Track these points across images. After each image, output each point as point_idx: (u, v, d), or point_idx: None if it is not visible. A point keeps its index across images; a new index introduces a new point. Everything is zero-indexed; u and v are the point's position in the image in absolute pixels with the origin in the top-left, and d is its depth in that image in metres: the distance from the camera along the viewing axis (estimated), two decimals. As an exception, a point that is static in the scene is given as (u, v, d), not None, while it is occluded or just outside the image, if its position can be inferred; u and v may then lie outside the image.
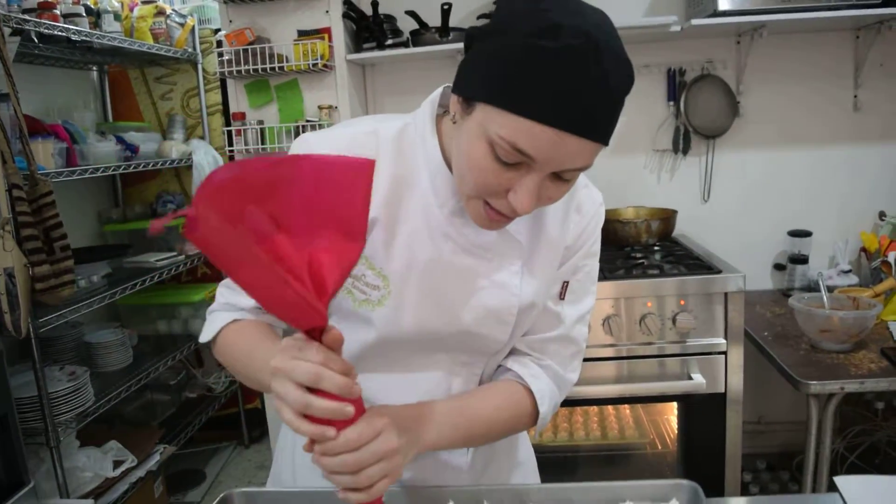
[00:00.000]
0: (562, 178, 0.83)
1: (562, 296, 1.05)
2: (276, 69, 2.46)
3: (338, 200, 0.74)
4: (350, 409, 0.75)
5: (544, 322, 1.05)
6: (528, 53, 0.74)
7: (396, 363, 1.01)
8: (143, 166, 2.76)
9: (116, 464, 2.48)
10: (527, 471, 1.25)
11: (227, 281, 1.03)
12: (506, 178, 0.81)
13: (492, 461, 1.15)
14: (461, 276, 0.97)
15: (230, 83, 2.62)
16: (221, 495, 1.01)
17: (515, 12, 0.77)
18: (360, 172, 0.75)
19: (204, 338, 1.03)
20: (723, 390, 2.17)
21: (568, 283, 1.05)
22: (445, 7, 2.50)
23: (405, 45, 2.61)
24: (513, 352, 1.08)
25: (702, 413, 2.20)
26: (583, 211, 1.03)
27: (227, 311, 1.02)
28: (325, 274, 0.74)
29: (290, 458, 1.18)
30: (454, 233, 0.95)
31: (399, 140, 0.96)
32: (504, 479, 1.19)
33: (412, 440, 0.88)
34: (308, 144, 0.95)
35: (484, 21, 2.61)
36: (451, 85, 0.94)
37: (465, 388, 1.05)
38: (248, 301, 1.00)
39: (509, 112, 0.76)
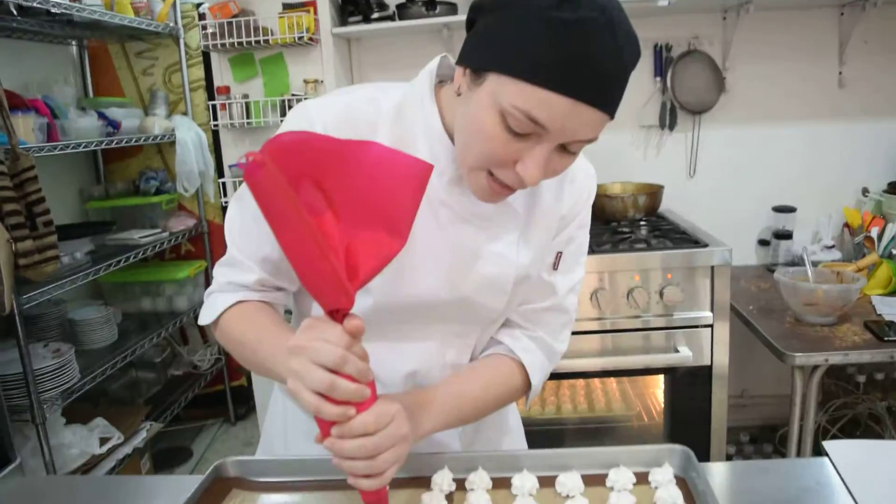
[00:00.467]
0: (568, 151, 0.84)
1: (555, 266, 1.06)
2: (261, 42, 2.43)
3: (390, 195, 0.76)
4: (367, 391, 0.78)
5: (538, 292, 1.06)
6: (545, 24, 0.74)
7: (391, 332, 1.01)
8: (126, 142, 2.72)
9: (103, 441, 2.47)
10: (515, 437, 1.28)
11: (226, 259, 1.02)
12: (514, 148, 0.81)
13: (481, 430, 1.17)
14: (459, 244, 0.97)
15: (214, 56, 2.59)
16: (215, 464, 1.01)
17: None
18: (418, 173, 0.77)
19: (204, 320, 1.02)
20: (709, 363, 2.20)
21: (561, 253, 1.06)
22: (435, -19, 2.49)
23: (391, 18, 2.58)
24: (505, 323, 1.09)
25: (687, 386, 2.23)
26: (577, 181, 1.05)
27: (228, 293, 1.00)
28: (360, 262, 0.76)
29: (282, 430, 1.19)
30: (452, 201, 0.95)
31: (398, 108, 0.95)
32: (494, 446, 1.20)
33: (414, 427, 0.89)
34: (308, 112, 0.94)
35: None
36: (447, 55, 0.96)
37: (458, 359, 1.06)
38: (251, 276, 0.99)
39: (525, 82, 0.76)
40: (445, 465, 0.98)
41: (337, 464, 0.81)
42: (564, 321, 1.10)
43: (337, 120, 0.92)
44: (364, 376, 0.77)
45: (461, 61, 0.86)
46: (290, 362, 0.77)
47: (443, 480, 0.96)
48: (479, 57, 0.82)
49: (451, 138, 0.94)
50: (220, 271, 1.02)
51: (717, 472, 1.07)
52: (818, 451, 2.36)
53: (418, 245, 0.93)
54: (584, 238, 1.10)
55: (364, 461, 0.80)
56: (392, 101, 0.96)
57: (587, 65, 0.75)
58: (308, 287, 0.78)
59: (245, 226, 0.99)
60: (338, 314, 0.78)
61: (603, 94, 0.77)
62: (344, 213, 0.76)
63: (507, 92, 0.78)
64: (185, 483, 0.99)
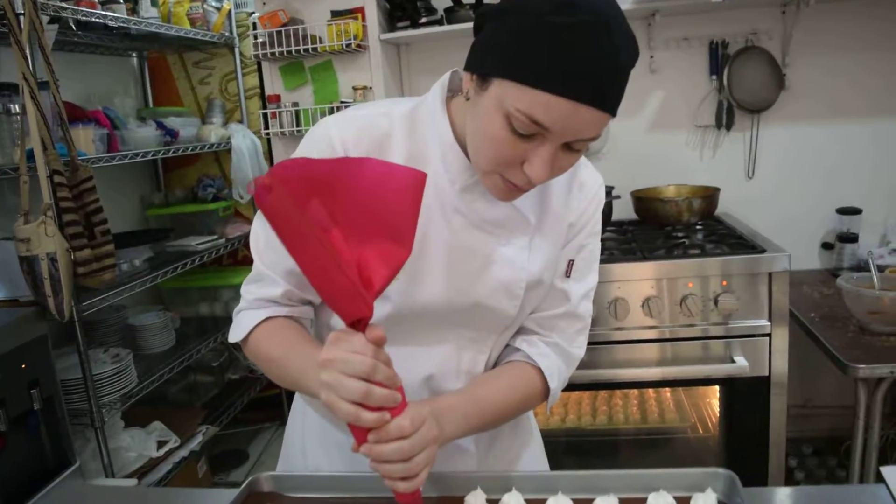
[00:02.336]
0: (573, 149, 0.87)
1: (568, 273, 1.09)
2: (311, 50, 2.45)
3: (391, 206, 0.79)
4: (399, 396, 0.82)
5: (552, 299, 1.09)
6: (544, 29, 0.78)
7: (407, 337, 1.02)
8: (183, 151, 2.78)
9: (160, 444, 2.52)
10: (533, 449, 1.27)
11: (252, 275, 1.05)
12: (521, 149, 0.85)
13: (497, 439, 1.18)
14: (472, 250, 1.00)
15: (265, 66, 2.63)
16: (249, 479, 1.02)
17: None
18: (413, 182, 0.80)
19: (233, 338, 1.05)
20: (766, 374, 2.11)
21: (573, 261, 1.09)
22: (475, -17, 2.47)
23: (439, 22, 2.57)
24: (520, 330, 1.11)
25: (745, 397, 2.15)
26: (585, 189, 1.08)
27: (256, 310, 1.03)
28: (373, 273, 0.79)
29: (301, 442, 1.22)
30: (465, 208, 0.99)
31: (411, 120, 0.99)
32: (511, 457, 1.21)
33: (441, 431, 0.91)
34: (328, 128, 0.97)
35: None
36: (458, 69, 0.99)
37: (473, 365, 1.07)
38: (277, 289, 1.02)
39: (527, 86, 0.79)
40: (479, 485, 0.96)
41: (374, 467, 0.84)
42: (579, 327, 1.12)
43: (354, 135, 0.96)
44: (393, 382, 0.81)
45: (468, 67, 0.89)
46: (322, 375, 0.80)
47: (476, 501, 0.94)
48: (484, 63, 0.85)
49: (463, 148, 0.97)
50: (247, 289, 1.05)
51: (764, 499, 1.01)
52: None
53: (432, 252, 0.98)
54: (596, 245, 1.12)
55: (401, 464, 0.82)
56: (405, 114, 1.00)
57: (586, 67, 0.78)
58: (328, 302, 0.81)
59: (269, 240, 1.01)
60: (360, 324, 0.81)
61: (602, 94, 0.80)
62: (350, 228, 0.78)
63: (510, 96, 0.81)
64: (221, 497, 1.00)
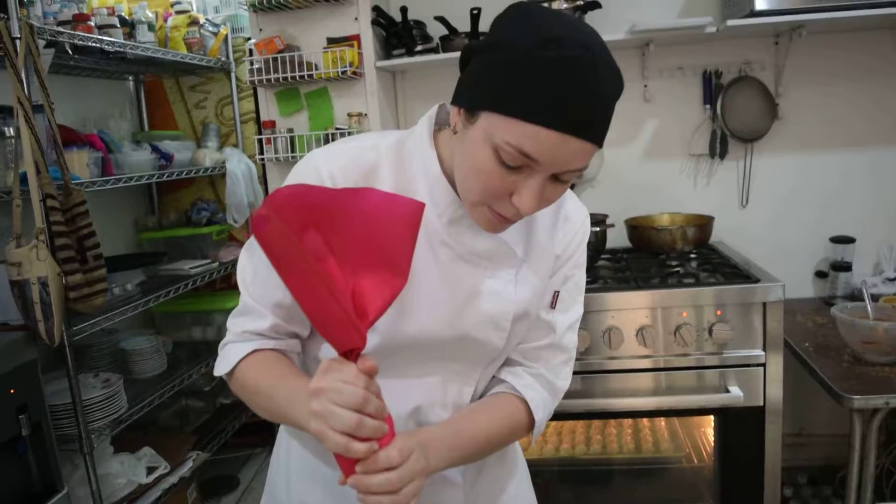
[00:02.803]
0: (560, 180, 0.89)
1: (553, 305, 1.09)
2: (306, 77, 2.46)
3: (388, 236, 0.81)
4: (386, 427, 0.82)
5: (537, 331, 1.09)
6: (531, 63, 0.80)
7: (394, 369, 1.01)
8: (177, 175, 2.78)
9: (150, 470, 2.49)
10: (520, 480, 1.27)
11: (239, 308, 1.04)
12: (510, 181, 0.87)
13: (484, 472, 1.17)
14: (459, 282, 1.01)
15: (260, 91, 2.64)
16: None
17: (516, 28, 0.83)
18: (411, 212, 0.82)
19: (219, 371, 1.05)
20: (761, 403, 2.10)
21: (559, 292, 1.10)
22: (475, 12, 2.48)
23: (435, 50, 2.59)
24: (506, 362, 1.12)
25: (740, 426, 2.14)
26: (570, 220, 1.09)
27: (243, 342, 1.02)
28: (367, 303, 0.80)
29: (285, 476, 1.20)
30: (451, 241, 1.00)
31: (398, 153, 1.01)
32: (497, 489, 1.21)
33: (428, 463, 0.90)
34: (315, 161, 0.99)
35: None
36: (445, 103, 1.01)
37: (460, 398, 1.07)
38: (265, 322, 1.01)
39: (515, 118, 0.81)
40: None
41: (362, 499, 0.83)
42: (564, 359, 1.13)
43: (341, 167, 0.97)
44: (382, 413, 0.81)
45: (455, 101, 0.91)
46: (313, 404, 0.79)
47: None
48: (472, 97, 0.87)
49: (450, 181, 0.98)
50: (233, 322, 1.05)
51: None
52: (880, 496, 2.24)
53: (419, 284, 0.97)
54: (581, 277, 1.13)
55: (388, 496, 0.82)
56: (392, 146, 1.01)
57: (572, 100, 0.80)
58: (322, 331, 0.81)
59: (257, 273, 1.01)
60: (352, 354, 0.81)
61: (589, 126, 0.82)
62: (346, 258, 0.80)
63: (498, 129, 0.83)
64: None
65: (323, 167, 0.97)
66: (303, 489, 1.15)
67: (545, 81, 0.79)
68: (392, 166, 0.99)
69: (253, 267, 1.03)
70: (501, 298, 1.01)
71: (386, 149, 1.00)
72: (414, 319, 0.98)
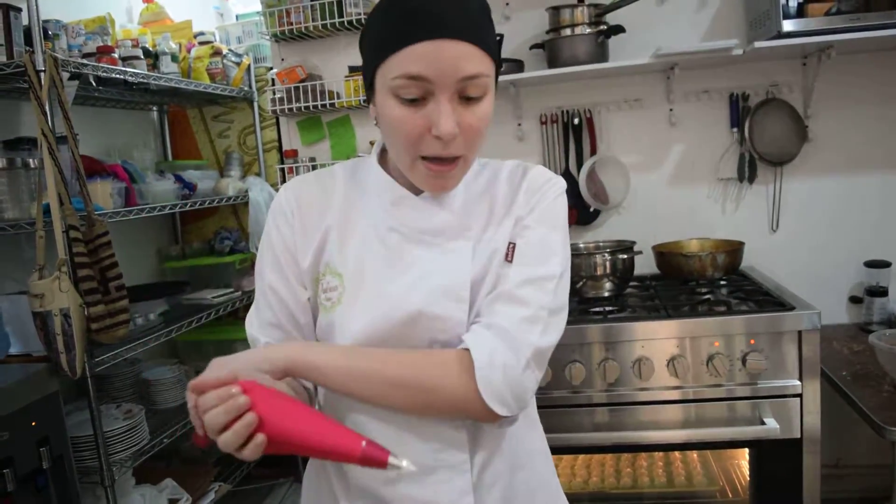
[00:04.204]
0: (470, 98, 0.93)
1: (509, 258, 1.03)
2: (328, 106, 2.46)
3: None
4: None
5: (491, 285, 1.03)
6: (376, 19, 0.95)
7: None
8: (200, 204, 2.78)
9: (171, 502, 2.46)
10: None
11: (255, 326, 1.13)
12: (420, 115, 0.92)
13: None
14: (411, 263, 1.03)
15: (282, 121, 2.64)
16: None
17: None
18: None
19: None
20: (798, 435, 2.03)
21: (514, 244, 1.04)
22: (498, 38, 2.46)
23: (456, 78, 2.57)
24: None
25: (776, 459, 2.06)
26: (532, 186, 1.08)
27: None
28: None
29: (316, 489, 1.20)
30: (398, 224, 1.05)
31: (353, 170, 1.13)
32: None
33: (260, 357, 0.96)
34: (278, 196, 1.11)
35: (537, 50, 2.58)
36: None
37: None
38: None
39: (389, 55, 0.91)
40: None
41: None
42: (526, 314, 0.97)
43: (295, 193, 1.10)
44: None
45: (368, 101, 1.03)
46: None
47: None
48: (365, 74, 0.99)
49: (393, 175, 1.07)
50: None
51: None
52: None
53: (371, 276, 1.03)
54: (549, 234, 1.04)
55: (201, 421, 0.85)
56: (348, 167, 1.14)
57: (420, 11, 0.88)
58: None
59: (261, 323, 1.12)
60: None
61: (449, 24, 0.88)
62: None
63: (386, 75, 0.92)
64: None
65: (283, 198, 1.10)
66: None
67: (390, 18, 0.91)
68: (344, 179, 1.11)
69: (258, 320, 1.12)
70: (455, 270, 1.02)
71: (341, 167, 1.14)
72: (367, 307, 1.01)
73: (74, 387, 2.22)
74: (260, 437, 0.82)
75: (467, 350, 0.95)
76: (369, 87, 0.98)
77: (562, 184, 1.09)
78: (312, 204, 1.07)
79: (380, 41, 0.92)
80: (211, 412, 0.82)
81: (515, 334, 0.96)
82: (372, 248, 1.04)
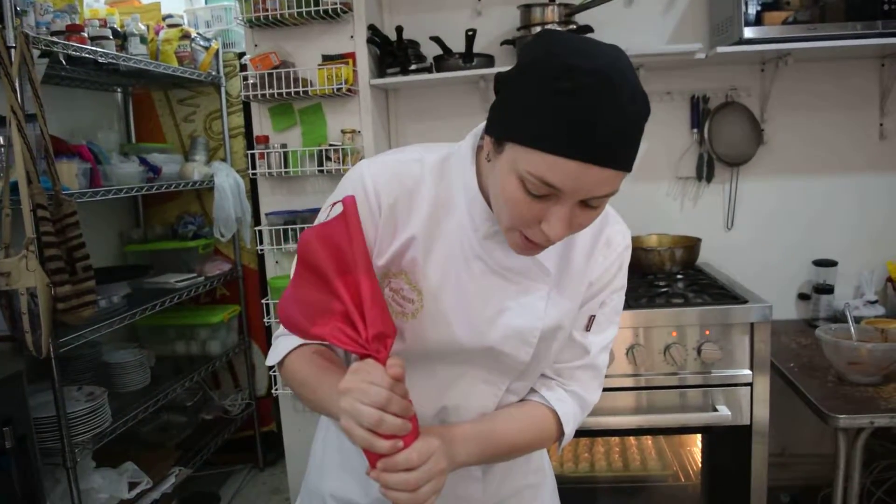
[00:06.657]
0: (590, 206, 0.89)
1: (588, 328, 1.11)
2: (301, 93, 2.46)
3: (349, 245, 0.90)
4: (409, 425, 0.86)
5: (571, 352, 1.11)
6: (548, 95, 0.81)
7: (422, 369, 1.05)
8: (165, 188, 2.77)
9: (132, 485, 2.46)
10: (544, 495, 1.29)
11: None
12: (537, 208, 0.88)
13: (506, 479, 1.20)
14: (490, 295, 1.03)
15: (254, 106, 2.63)
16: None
17: (535, 58, 0.85)
18: (347, 213, 0.91)
19: (270, 361, 1.11)
20: (748, 422, 2.13)
21: (595, 316, 1.11)
22: (470, 33, 2.51)
23: (429, 70, 2.61)
24: (541, 377, 1.14)
25: (726, 446, 2.16)
26: (612, 246, 1.09)
27: (290, 336, 1.07)
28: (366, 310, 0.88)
29: (320, 463, 1.25)
30: (485, 255, 1.02)
31: (441, 167, 1.04)
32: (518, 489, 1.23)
33: (450, 461, 0.94)
34: (361, 170, 1.04)
35: (507, 46, 2.64)
36: None
37: (485, 404, 1.09)
38: None
39: (535, 149, 0.83)
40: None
41: (383, 493, 0.87)
42: (598, 379, 1.15)
43: (385, 178, 1.02)
44: (406, 412, 0.85)
45: (487, 130, 0.93)
46: (341, 403, 0.85)
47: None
48: (498, 128, 0.90)
49: (487, 198, 1.00)
50: None
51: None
52: (864, 518, 2.26)
53: (450, 295, 1.02)
54: (619, 300, 1.14)
55: (406, 493, 0.86)
56: (436, 161, 1.05)
57: (589, 129, 0.80)
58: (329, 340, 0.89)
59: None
60: (380, 355, 0.87)
61: (607, 153, 0.82)
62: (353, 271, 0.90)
63: (521, 159, 0.85)
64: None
65: (367, 176, 1.02)
66: (335, 478, 1.20)
67: (561, 112, 0.80)
68: (434, 180, 1.03)
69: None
70: (531, 314, 1.03)
71: (430, 163, 1.04)
72: (442, 328, 1.02)
73: (35, 368, 2.20)
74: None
75: (555, 413, 1.10)
76: (497, 140, 0.90)
77: (630, 243, 1.12)
78: (396, 206, 1.02)
79: (531, 124, 0.83)
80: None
81: (586, 397, 1.13)
82: (456, 272, 1.02)
